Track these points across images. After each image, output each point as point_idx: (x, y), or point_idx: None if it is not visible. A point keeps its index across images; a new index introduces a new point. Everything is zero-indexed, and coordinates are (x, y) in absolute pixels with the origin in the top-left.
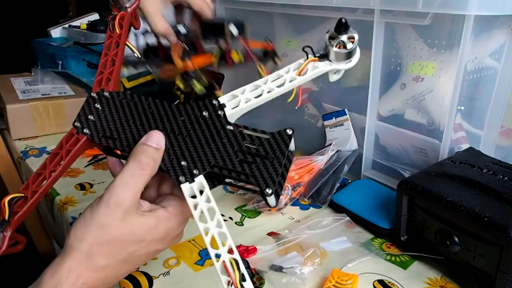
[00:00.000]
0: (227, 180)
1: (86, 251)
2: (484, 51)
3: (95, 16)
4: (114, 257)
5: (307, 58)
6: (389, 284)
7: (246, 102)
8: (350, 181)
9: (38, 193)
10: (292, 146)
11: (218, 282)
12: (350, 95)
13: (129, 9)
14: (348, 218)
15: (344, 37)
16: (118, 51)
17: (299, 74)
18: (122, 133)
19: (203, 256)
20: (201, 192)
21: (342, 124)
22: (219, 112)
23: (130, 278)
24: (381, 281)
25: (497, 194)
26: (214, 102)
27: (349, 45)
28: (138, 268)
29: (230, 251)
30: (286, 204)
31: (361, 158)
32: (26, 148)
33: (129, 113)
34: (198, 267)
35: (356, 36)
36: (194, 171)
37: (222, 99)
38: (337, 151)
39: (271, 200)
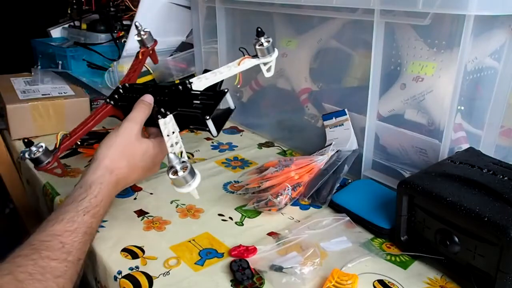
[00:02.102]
0: (191, 126)
1: (116, 156)
2: (484, 51)
3: (95, 16)
4: (129, 161)
5: (244, 55)
6: (389, 284)
7: (207, 79)
8: (350, 181)
9: (77, 134)
10: (231, 104)
11: (218, 282)
12: (350, 95)
13: (149, 47)
14: (348, 218)
15: (262, 39)
16: (138, 67)
17: (238, 65)
18: (132, 101)
19: (203, 256)
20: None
21: (342, 124)
22: (188, 85)
23: (130, 278)
24: (381, 281)
25: (497, 194)
26: (187, 81)
27: (265, 44)
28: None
29: (180, 150)
30: (286, 204)
31: (361, 158)
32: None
33: (138, 92)
34: (198, 267)
35: (270, 39)
36: (167, 112)
37: (192, 79)
38: (337, 151)
39: (211, 125)
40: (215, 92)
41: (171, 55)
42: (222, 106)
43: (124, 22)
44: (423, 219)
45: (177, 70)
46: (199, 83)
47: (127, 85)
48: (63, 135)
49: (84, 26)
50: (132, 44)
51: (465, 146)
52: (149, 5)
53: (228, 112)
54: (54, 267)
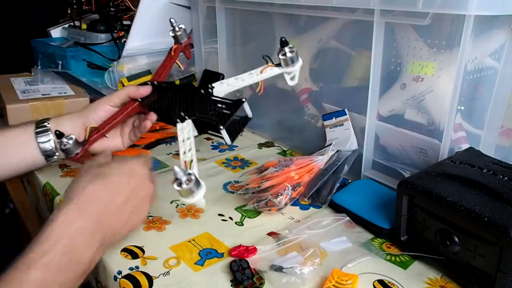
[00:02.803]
0: (209, 131)
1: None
2: (484, 51)
3: (95, 16)
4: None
5: (267, 63)
6: (389, 284)
7: (228, 85)
8: (350, 181)
9: (105, 128)
10: (249, 113)
11: (218, 282)
12: (350, 95)
13: (183, 44)
14: (348, 218)
15: (286, 49)
16: (169, 64)
17: (261, 73)
18: (157, 101)
19: (203, 256)
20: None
21: (342, 124)
22: (209, 90)
23: (130, 278)
24: (381, 281)
25: (497, 194)
26: (209, 85)
27: (289, 54)
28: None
29: (191, 159)
30: (286, 204)
31: (361, 158)
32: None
33: (164, 91)
34: (198, 267)
35: (295, 49)
36: (186, 117)
37: (214, 84)
38: (337, 151)
39: (225, 136)
40: (233, 100)
41: None
42: (240, 113)
43: (124, 22)
44: (423, 219)
45: (177, 70)
46: (220, 88)
47: (155, 83)
48: (92, 128)
49: (84, 26)
50: (132, 44)
51: (465, 146)
52: (149, 5)
53: (245, 120)
54: None
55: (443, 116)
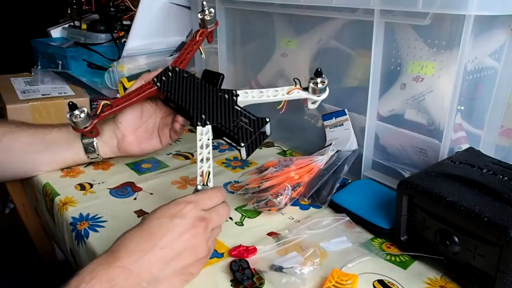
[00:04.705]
0: (224, 138)
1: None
2: (484, 51)
3: (95, 16)
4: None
5: (295, 85)
6: (389, 284)
7: (253, 97)
8: (350, 181)
9: (119, 106)
10: (268, 130)
11: (218, 282)
12: (350, 95)
13: (209, 29)
14: (348, 218)
15: (318, 80)
16: (193, 49)
17: (288, 93)
18: (177, 92)
19: None
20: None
21: (342, 124)
22: (234, 98)
23: None
24: (381, 281)
25: (497, 194)
26: (234, 91)
27: (319, 85)
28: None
29: (208, 170)
30: (286, 204)
31: (361, 158)
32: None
33: (185, 83)
34: None
35: (326, 81)
36: (207, 122)
37: (239, 92)
38: (337, 151)
39: (243, 152)
40: (258, 118)
41: (171, 55)
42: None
43: (124, 22)
44: (423, 219)
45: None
46: (244, 98)
47: (177, 69)
48: (105, 104)
49: (84, 26)
50: (132, 44)
51: (465, 146)
52: (149, 5)
53: (262, 136)
54: None
55: (443, 116)
